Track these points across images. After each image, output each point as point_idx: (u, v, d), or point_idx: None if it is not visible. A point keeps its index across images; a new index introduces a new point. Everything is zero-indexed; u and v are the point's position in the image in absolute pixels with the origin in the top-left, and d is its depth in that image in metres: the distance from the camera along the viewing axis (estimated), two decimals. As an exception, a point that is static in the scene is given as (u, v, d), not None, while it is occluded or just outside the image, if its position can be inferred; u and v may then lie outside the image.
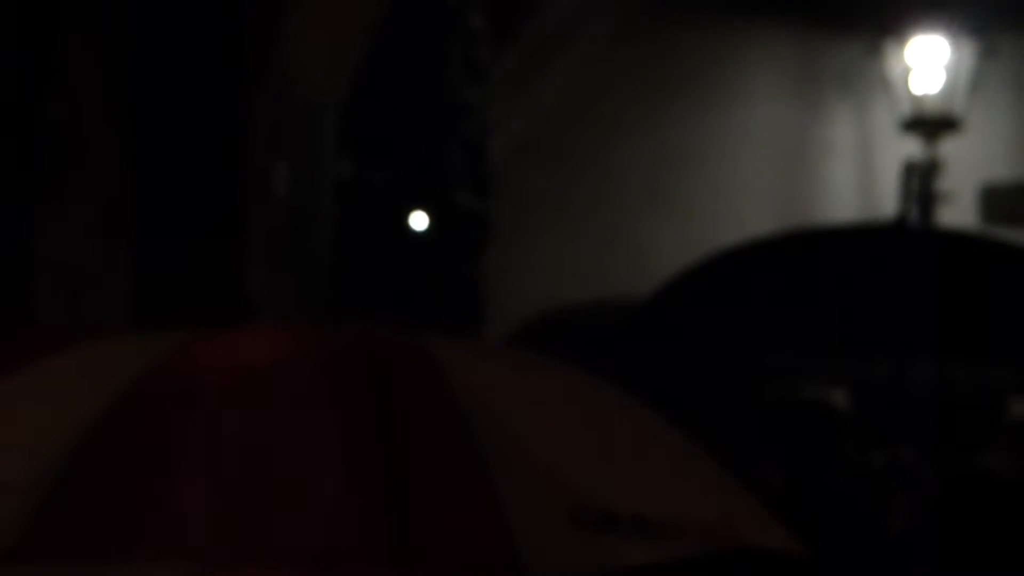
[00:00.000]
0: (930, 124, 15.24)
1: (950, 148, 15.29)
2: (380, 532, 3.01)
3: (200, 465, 3.09)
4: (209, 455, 3.13)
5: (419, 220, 12.81)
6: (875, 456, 8.65)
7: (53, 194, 7.87)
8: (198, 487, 3.06)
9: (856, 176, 15.69)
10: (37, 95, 7.58)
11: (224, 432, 3.18)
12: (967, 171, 15.42)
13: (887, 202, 14.78)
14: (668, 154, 15.71)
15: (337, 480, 3.08)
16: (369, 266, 12.13)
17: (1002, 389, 11.26)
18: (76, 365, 3.49)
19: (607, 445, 3.39)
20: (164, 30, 9.42)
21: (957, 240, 12.82)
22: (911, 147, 15.27)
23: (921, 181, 15.17)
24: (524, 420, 3.28)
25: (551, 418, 3.35)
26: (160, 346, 3.40)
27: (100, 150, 8.59)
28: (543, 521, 3.04)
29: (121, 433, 3.12)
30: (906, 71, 15.26)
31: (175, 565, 3.25)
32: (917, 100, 15.24)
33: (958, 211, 15.16)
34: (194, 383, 3.25)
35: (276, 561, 3.31)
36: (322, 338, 3.50)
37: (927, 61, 15.25)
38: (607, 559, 3.08)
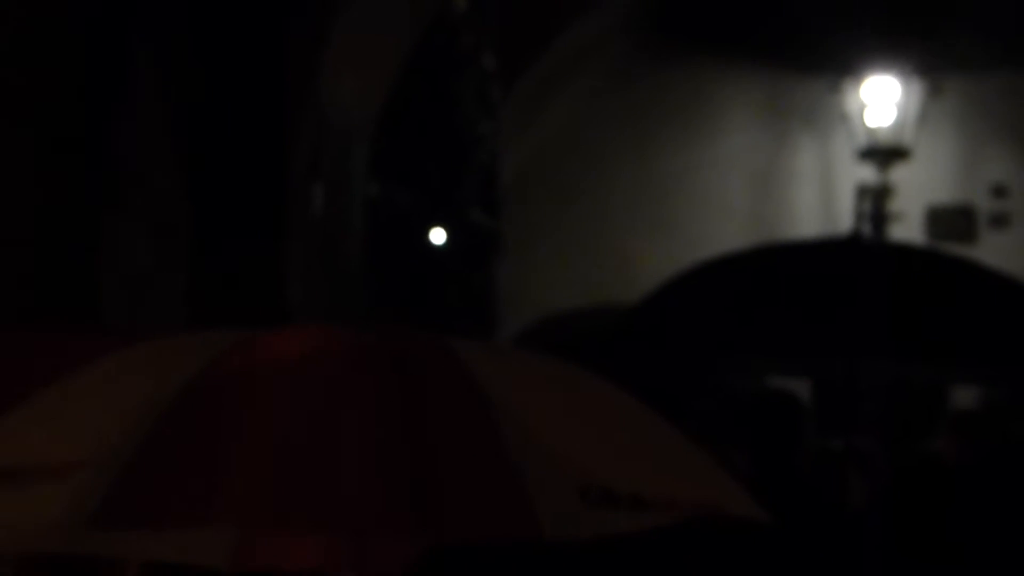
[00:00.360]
0: (882, 153, 15.30)
1: (900, 174, 15.31)
2: (405, 504, 3.09)
3: (252, 445, 3.15)
4: (260, 437, 3.16)
5: (437, 235, 12.79)
6: (834, 442, 8.63)
7: (118, 208, 7.85)
8: (250, 463, 3.13)
9: (818, 198, 15.68)
10: (105, 120, 7.56)
11: (274, 415, 3.24)
12: (915, 194, 15.45)
13: (845, 221, 14.84)
14: (654, 179, 15.70)
15: (369, 458, 3.16)
16: (393, 275, 12.12)
17: (944, 383, 11.25)
18: (146, 358, 3.54)
19: (606, 432, 3.42)
20: (217, 67, 9.42)
21: (905, 254, 12.81)
22: (866, 173, 15.33)
23: (874, 203, 15.21)
24: (537, 410, 3.33)
25: (559, 408, 3.40)
26: (220, 342, 3.43)
27: (160, 171, 8.58)
28: (556, 497, 3.08)
29: (187, 417, 3.16)
30: (862, 107, 15.31)
31: (223, 529, 3.26)
32: (871, 132, 15.27)
33: (906, 229, 15.21)
34: (249, 374, 3.30)
35: (311, 529, 3.32)
36: (357, 337, 3.54)
37: (880, 98, 15.28)
38: (608, 528, 3.10)
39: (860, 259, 10.38)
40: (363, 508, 3.11)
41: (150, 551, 3.44)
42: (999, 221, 15.59)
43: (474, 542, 3.17)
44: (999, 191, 15.63)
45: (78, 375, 3.47)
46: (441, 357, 3.41)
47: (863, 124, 15.28)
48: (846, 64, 15.21)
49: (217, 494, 3.06)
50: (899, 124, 15.26)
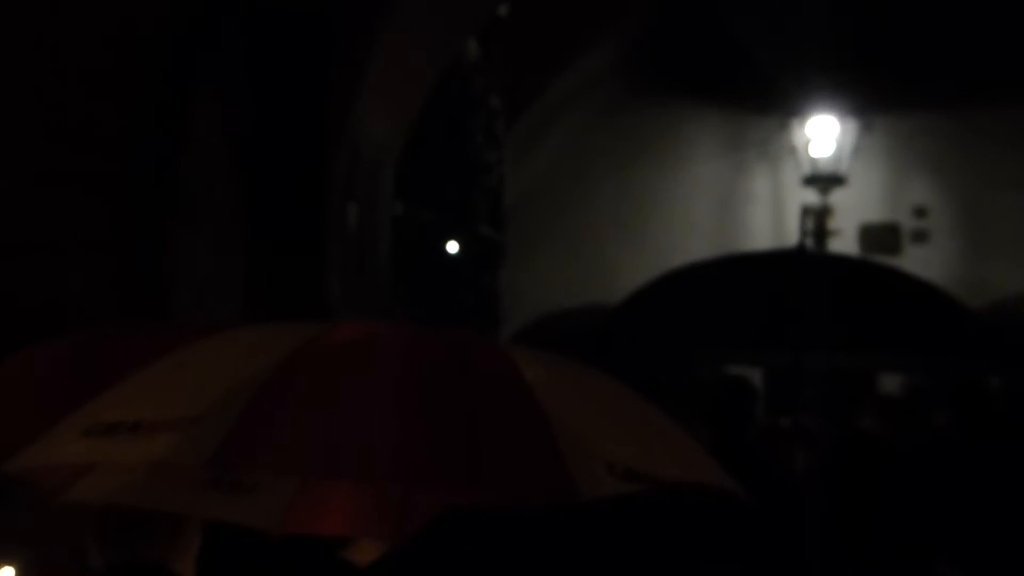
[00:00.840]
0: (823, 180, 15.42)
1: (837, 197, 15.39)
2: (461, 460, 3.16)
3: (332, 411, 3.19)
4: (339, 404, 3.23)
5: (452, 246, 12.77)
6: (782, 420, 8.63)
7: (185, 225, 7.84)
8: (330, 425, 3.17)
9: (769, 217, 15.71)
10: (175, 149, 7.55)
11: (343, 387, 3.28)
12: (849, 214, 15.55)
13: (791, 236, 14.81)
14: (632, 199, 15.74)
15: (424, 422, 3.19)
16: (414, 279, 12.10)
17: (872, 371, 11.26)
18: (245, 340, 3.63)
19: (619, 419, 3.45)
20: (269, 105, 9.40)
21: (842, 264, 12.79)
22: (809, 196, 15.40)
23: (816, 221, 15.24)
24: (568, 399, 3.31)
25: (583, 398, 3.43)
26: (305, 330, 3.50)
27: (220, 191, 8.56)
28: (590, 470, 3.04)
29: (280, 386, 3.19)
30: (806, 141, 15.42)
31: (275, 496, 3.25)
32: (814, 162, 15.38)
33: (843, 243, 15.31)
34: (330, 355, 3.35)
35: (366, 479, 3.31)
36: (415, 328, 3.64)
37: (821, 134, 15.39)
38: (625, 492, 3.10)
39: (804, 268, 10.35)
40: (422, 461, 3.15)
41: (211, 511, 3.43)
42: (919, 237, 15.65)
43: (518, 500, 3.18)
44: (919, 212, 15.70)
45: (187, 350, 3.50)
46: (486, 346, 3.52)
47: (807, 155, 15.37)
48: (793, 106, 15.28)
49: (303, 450, 3.13)
50: (837, 156, 15.35)
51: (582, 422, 3.24)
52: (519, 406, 3.22)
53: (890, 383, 11.48)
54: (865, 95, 15.10)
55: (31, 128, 6.43)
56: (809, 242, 14.89)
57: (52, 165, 6.49)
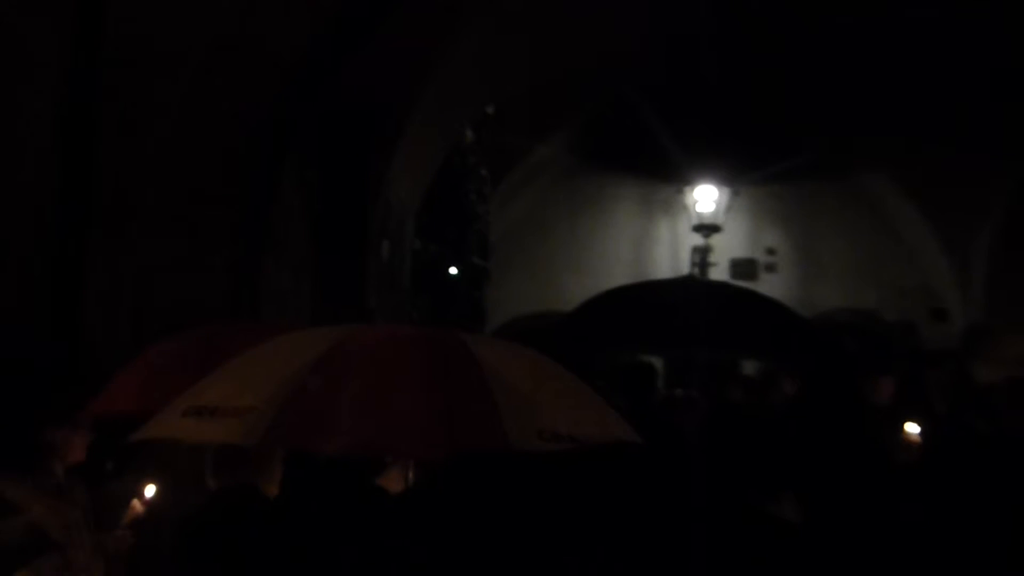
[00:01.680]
0: (706, 228, 15.40)
1: (715, 240, 15.41)
2: (440, 426, 3.10)
3: (355, 394, 3.14)
4: (360, 388, 3.17)
5: (452, 271, 12.76)
6: (675, 392, 8.59)
7: (272, 254, 7.83)
8: (357, 402, 3.12)
9: (669, 254, 15.69)
10: (267, 203, 7.54)
11: (368, 373, 3.25)
12: (723, 252, 15.56)
13: (684, 267, 14.99)
14: (576, 240, 15.73)
15: (422, 399, 3.15)
16: (427, 293, 12.09)
17: (738, 359, 11.24)
18: (294, 340, 3.57)
19: (552, 391, 3.42)
20: (330, 171, 9.41)
21: (718, 286, 12.78)
22: (696, 239, 15.38)
23: (701, 257, 15.24)
24: (512, 376, 3.31)
25: (525, 376, 3.39)
26: (338, 331, 3.46)
27: (296, 233, 8.56)
28: (525, 435, 3.05)
29: (324, 373, 3.16)
30: (694, 201, 15.41)
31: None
32: (700, 215, 15.35)
33: (719, 272, 15.31)
34: (357, 351, 3.30)
35: (388, 446, 3.28)
36: (415, 329, 3.60)
37: (705, 197, 15.36)
38: (549, 450, 3.08)
39: (692, 290, 10.41)
40: (418, 429, 3.10)
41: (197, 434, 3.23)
42: (770, 268, 15.65)
43: (470, 451, 3.16)
44: (770, 251, 15.71)
45: (253, 351, 3.50)
46: (455, 342, 3.42)
47: (695, 211, 15.34)
48: (686, 177, 15.25)
49: (335, 427, 3.05)
50: (715, 212, 15.31)
51: (523, 395, 3.21)
52: (474, 385, 3.19)
53: (749, 367, 11.47)
54: (734, 171, 15.13)
55: (181, 191, 6.44)
56: (696, 272, 14.96)
57: (190, 215, 6.50)
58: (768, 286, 14.78)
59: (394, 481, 3.70)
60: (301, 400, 3.08)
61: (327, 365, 3.18)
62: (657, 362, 10.15)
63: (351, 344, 3.30)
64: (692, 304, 8.46)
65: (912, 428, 7.18)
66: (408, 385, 3.19)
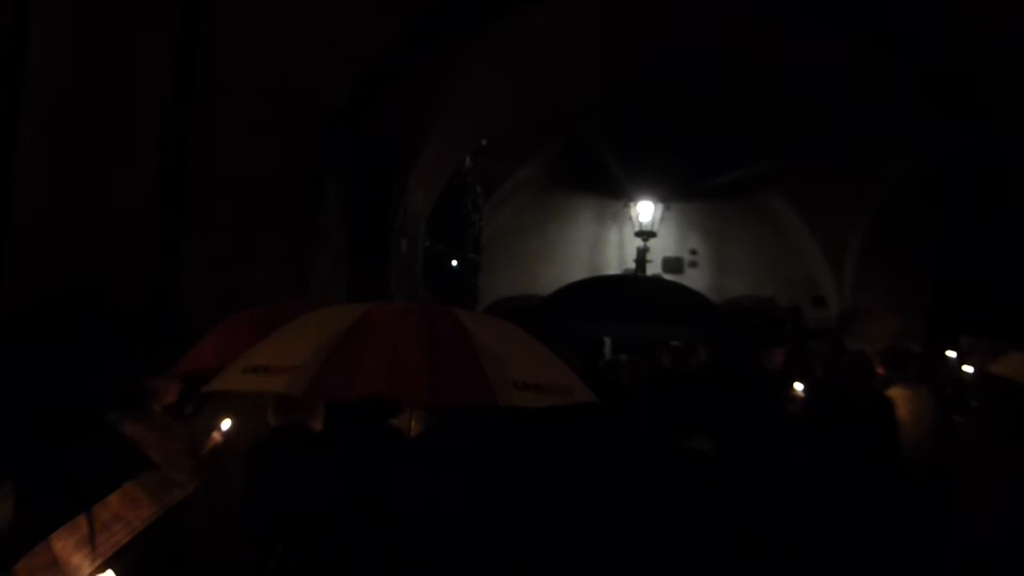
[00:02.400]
0: (645, 234, 15.16)
1: (652, 243, 15.23)
2: (430, 380, 3.03)
3: (370, 350, 3.09)
4: (379, 344, 3.11)
5: (454, 263, 12.75)
6: (620, 357, 8.58)
7: (318, 250, 7.78)
8: (371, 361, 3.06)
9: (617, 253, 15.55)
10: (314, 211, 7.49)
11: (385, 336, 3.15)
12: (658, 252, 15.35)
13: (630, 264, 14.84)
14: (547, 243, 15.53)
15: (424, 357, 3.08)
16: (434, 280, 12.06)
17: (669, 334, 11.26)
18: (330, 312, 3.50)
19: (525, 353, 3.36)
20: (362, 188, 9.36)
21: (655, 279, 12.83)
22: (638, 242, 15.24)
23: (641, 256, 15.21)
24: (494, 341, 3.26)
25: (502, 341, 3.32)
26: (364, 307, 3.39)
27: (336, 234, 8.46)
28: (503, 386, 3.01)
29: (351, 340, 3.10)
30: (637, 213, 15.20)
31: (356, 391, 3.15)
32: (640, 224, 15.15)
33: (654, 268, 15.14)
34: (379, 320, 3.23)
35: (390, 389, 3.19)
36: (418, 306, 3.55)
37: (644, 210, 15.18)
38: (527, 402, 3.05)
39: (635, 281, 10.47)
40: (417, 379, 3.04)
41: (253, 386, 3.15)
42: (692, 265, 15.49)
43: (460, 405, 3.14)
44: (693, 252, 15.55)
45: (297, 320, 3.45)
46: (449, 315, 3.38)
47: (637, 220, 15.17)
48: (630, 194, 15.06)
49: (358, 379, 3.02)
50: (652, 221, 15.11)
51: (502, 354, 3.16)
52: (463, 348, 3.14)
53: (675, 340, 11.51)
54: (666, 190, 15.03)
55: (249, 200, 6.39)
56: (638, 268, 14.96)
57: (256, 219, 6.46)
58: (691, 278, 14.84)
59: (404, 423, 3.70)
60: (332, 360, 3.04)
61: (354, 332, 3.15)
62: (607, 333, 10.18)
63: (371, 317, 3.25)
64: (634, 292, 8.50)
65: (798, 386, 7.20)
66: (410, 346, 3.13)
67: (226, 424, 4.17)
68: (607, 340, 8.55)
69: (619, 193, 15.12)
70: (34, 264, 5.15)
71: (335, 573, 3.24)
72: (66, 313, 4.20)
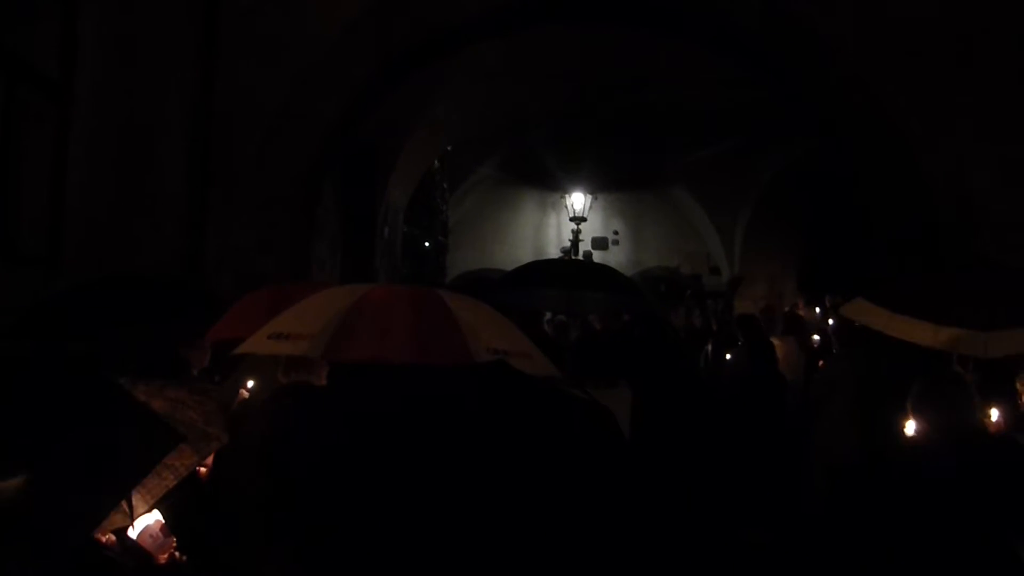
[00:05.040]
0: (577, 219, 15.19)
1: (583, 227, 15.29)
2: (417, 345, 3.00)
3: (372, 321, 3.07)
4: (378, 317, 3.08)
5: (426, 245, 12.66)
6: (559, 318, 8.54)
7: (318, 236, 7.68)
8: (374, 332, 3.03)
9: (556, 235, 15.58)
10: (313, 204, 7.33)
11: (379, 312, 3.14)
12: (588, 234, 15.42)
13: (565, 243, 14.86)
14: (500, 227, 15.49)
15: (414, 327, 3.06)
16: (411, 260, 11.97)
17: (601, 300, 11.26)
18: (339, 290, 3.48)
19: (494, 324, 3.36)
20: (351, 182, 9.28)
21: (586, 260, 12.85)
22: (572, 226, 15.27)
23: (575, 237, 15.24)
24: (468, 314, 3.26)
25: (475, 314, 3.32)
26: (366, 286, 3.37)
27: (332, 223, 8.40)
28: (479, 350, 3.01)
29: (356, 313, 3.07)
30: (572, 203, 15.21)
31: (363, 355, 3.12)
32: (574, 211, 15.17)
33: (585, 246, 15.24)
34: (377, 298, 3.21)
35: (385, 353, 3.17)
36: (407, 286, 3.52)
37: (577, 200, 15.19)
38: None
39: (569, 260, 10.48)
40: (407, 344, 3.02)
41: (279, 349, 3.10)
42: (615, 243, 15.61)
43: (444, 364, 3.13)
44: (616, 233, 15.66)
45: (312, 297, 3.41)
46: (434, 294, 3.35)
47: (572, 209, 15.17)
48: (565, 187, 15.03)
49: (361, 344, 3.00)
50: (583, 209, 15.13)
51: (476, 326, 3.14)
52: (445, 320, 3.12)
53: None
54: (595, 184, 15.06)
55: (256, 198, 6.27)
56: (573, 249, 14.97)
57: (267, 214, 6.35)
58: (614, 253, 14.96)
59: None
60: (340, 329, 3.02)
61: (357, 308, 3.13)
62: (551, 298, 10.13)
63: (372, 295, 3.25)
64: (570, 266, 8.46)
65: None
66: (402, 318, 3.13)
67: (251, 383, 4.12)
68: (547, 312, 8.49)
69: (556, 186, 15.07)
70: (86, 255, 5.02)
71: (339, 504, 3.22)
72: (120, 289, 4.09)
